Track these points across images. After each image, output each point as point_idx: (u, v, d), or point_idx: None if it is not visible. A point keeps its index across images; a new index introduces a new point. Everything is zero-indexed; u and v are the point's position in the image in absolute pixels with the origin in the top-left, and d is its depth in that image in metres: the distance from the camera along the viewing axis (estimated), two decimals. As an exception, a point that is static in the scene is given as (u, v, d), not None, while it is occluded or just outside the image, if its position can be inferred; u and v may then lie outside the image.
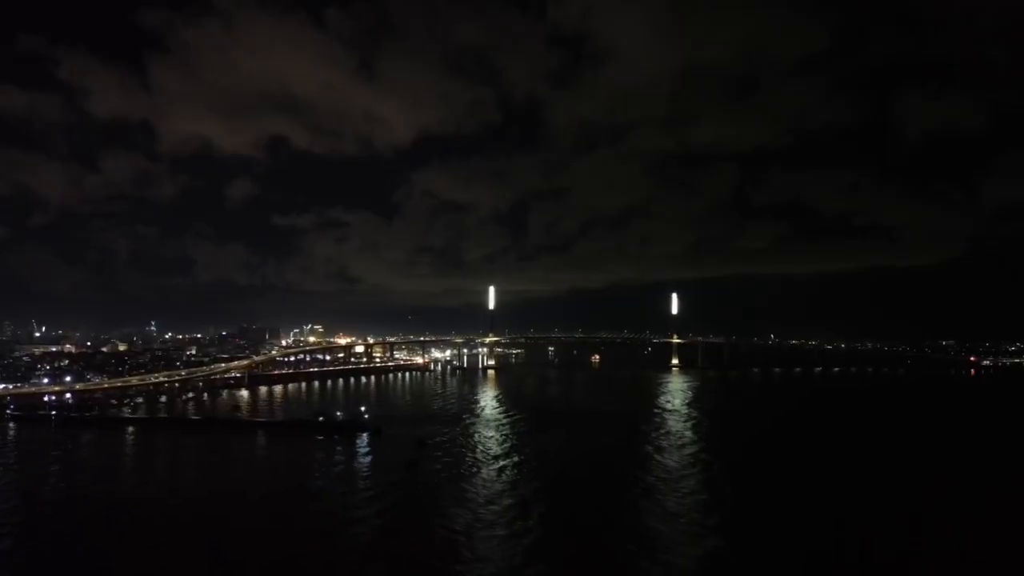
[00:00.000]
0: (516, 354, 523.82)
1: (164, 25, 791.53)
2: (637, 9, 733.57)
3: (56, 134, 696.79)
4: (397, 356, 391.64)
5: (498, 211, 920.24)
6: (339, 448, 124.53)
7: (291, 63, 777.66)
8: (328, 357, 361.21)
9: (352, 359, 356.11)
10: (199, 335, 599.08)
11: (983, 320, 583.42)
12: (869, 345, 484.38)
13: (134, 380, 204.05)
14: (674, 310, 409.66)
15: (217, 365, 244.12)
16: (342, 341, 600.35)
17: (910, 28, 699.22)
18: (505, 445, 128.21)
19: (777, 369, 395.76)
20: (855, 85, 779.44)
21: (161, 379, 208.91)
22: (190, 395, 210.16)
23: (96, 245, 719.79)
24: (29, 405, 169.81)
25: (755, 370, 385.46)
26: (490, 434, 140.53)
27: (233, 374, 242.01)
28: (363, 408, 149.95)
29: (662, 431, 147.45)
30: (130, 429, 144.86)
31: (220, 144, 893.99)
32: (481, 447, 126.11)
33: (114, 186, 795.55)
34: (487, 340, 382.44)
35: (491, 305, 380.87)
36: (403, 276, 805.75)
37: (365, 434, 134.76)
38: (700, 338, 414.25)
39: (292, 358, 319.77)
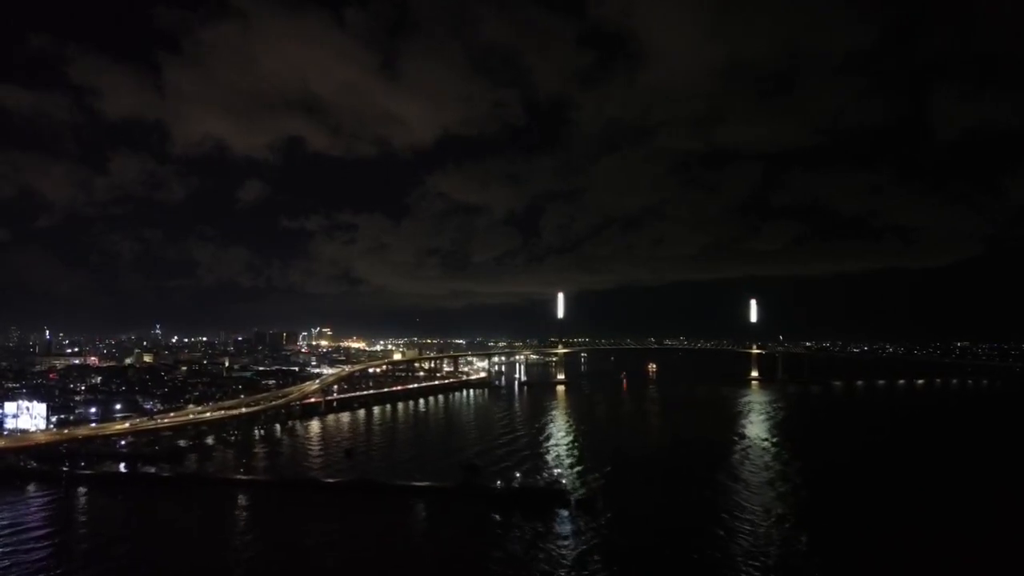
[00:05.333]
0: (555, 362, 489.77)
1: (180, 25, 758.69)
2: (682, 6, 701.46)
3: (64, 135, 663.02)
4: (448, 369, 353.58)
5: (511, 213, 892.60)
6: (546, 537, 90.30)
7: (310, 62, 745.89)
8: (376, 371, 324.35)
9: (408, 373, 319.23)
10: (204, 338, 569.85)
11: (1000, 321, 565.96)
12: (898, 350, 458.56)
13: (209, 414, 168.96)
14: (753, 318, 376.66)
15: (288, 389, 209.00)
16: (355, 345, 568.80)
17: (961, 23, 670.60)
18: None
19: (860, 382, 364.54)
20: (895, 83, 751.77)
21: (240, 411, 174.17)
22: (262, 430, 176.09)
23: (99, 248, 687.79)
24: (88, 454, 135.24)
25: (836, 383, 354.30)
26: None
27: (310, 400, 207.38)
28: (559, 472, 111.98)
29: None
30: (240, 499, 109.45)
31: (234, 145, 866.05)
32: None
33: (121, 188, 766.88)
34: (558, 351, 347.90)
35: (560, 313, 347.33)
36: (409, 278, 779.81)
37: (565, 510, 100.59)
38: (780, 348, 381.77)
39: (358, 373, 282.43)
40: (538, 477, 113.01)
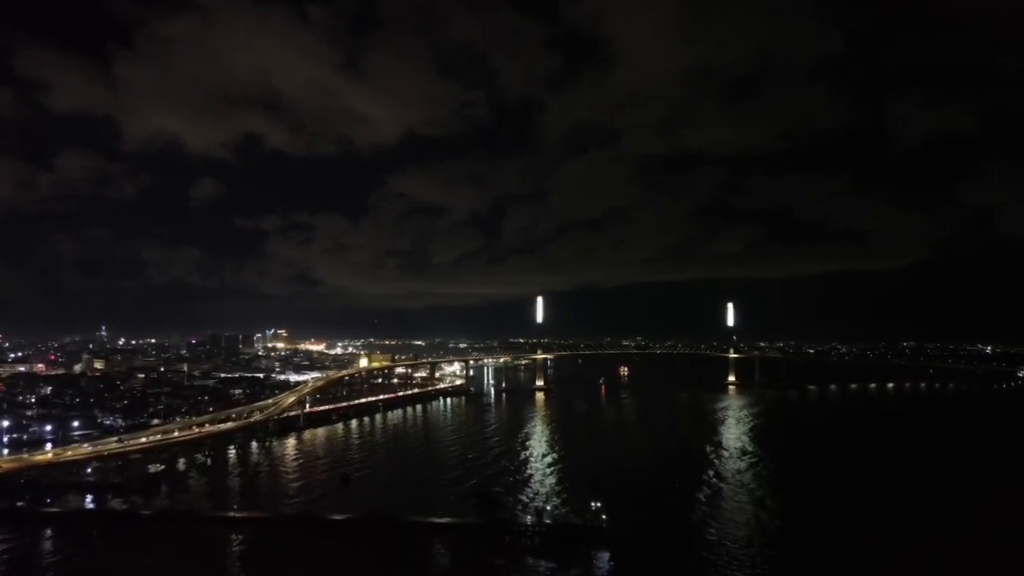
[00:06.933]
0: (524, 365, 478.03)
1: (134, 17, 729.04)
2: (657, 10, 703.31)
3: (7, 130, 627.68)
4: (421, 375, 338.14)
5: (473, 214, 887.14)
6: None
7: (271, 58, 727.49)
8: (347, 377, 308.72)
9: (383, 380, 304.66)
10: (153, 340, 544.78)
11: (948, 323, 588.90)
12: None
13: (181, 432, 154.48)
14: (730, 321, 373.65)
15: (264, 402, 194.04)
16: (313, 347, 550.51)
17: (924, 31, 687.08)
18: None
19: (833, 386, 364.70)
20: (858, 90, 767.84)
21: (217, 428, 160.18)
22: (238, 450, 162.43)
23: (43, 247, 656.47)
24: (51, 484, 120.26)
25: (811, 387, 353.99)
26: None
27: (289, 412, 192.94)
28: (595, 503, 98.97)
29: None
30: (233, 541, 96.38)
31: (189, 143, 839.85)
32: None
33: (67, 185, 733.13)
34: (537, 357, 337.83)
35: (539, 318, 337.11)
36: (367, 279, 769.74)
37: (604, 551, 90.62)
38: (757, 352, 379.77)
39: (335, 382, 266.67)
40: (568, 510, 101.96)
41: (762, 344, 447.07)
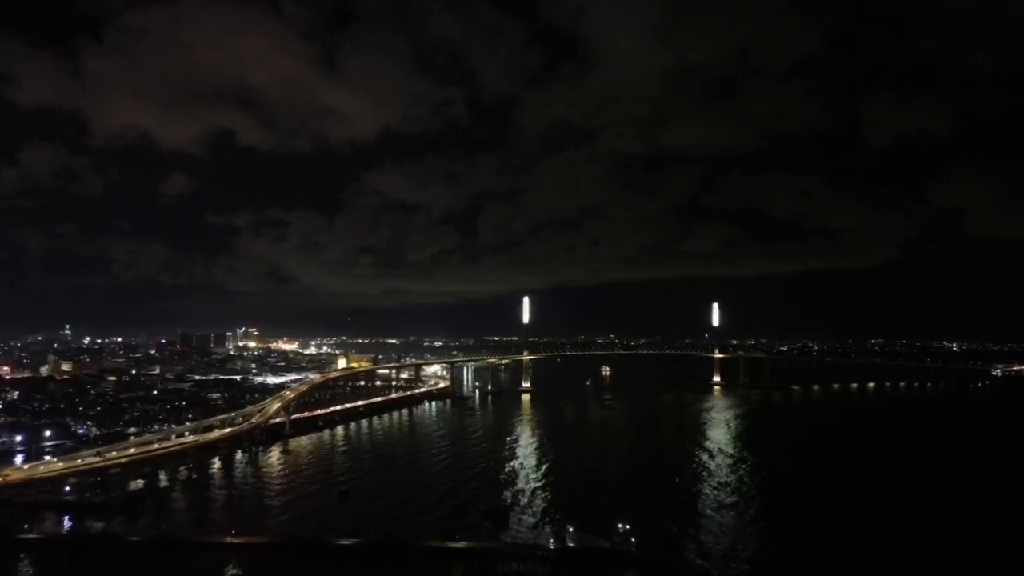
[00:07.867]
0: (505, 365, 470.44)
1: (104, 9, 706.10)
2: (636, 10, 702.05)
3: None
4: (405, 376, 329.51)
5: (449, 212, 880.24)
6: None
7: (246, 53, 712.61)
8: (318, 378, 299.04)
9: (368, 383, 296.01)
10: (120, 338, 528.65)
11: (916, 320, 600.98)
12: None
13: (162, 444, 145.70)
14: (715, 321, 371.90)
15: (249, 409, 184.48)
16: (286, 347, 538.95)
17: (900, 30, 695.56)
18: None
19: (815, 387, 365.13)
20: (833, 90, 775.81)
21: (200, 439, 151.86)
22: (222, 461, 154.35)
23: (5, 243, 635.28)
24: (25, 504, 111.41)
25: (795, 387, 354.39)
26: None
27: (276, 419, 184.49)
28: (623, 525, 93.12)
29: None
30: (231, 571, 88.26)
31: (159, 138, 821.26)
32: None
33: (33, 180, 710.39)
34: (523, 357, 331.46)
35: (526, 318, 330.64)
36: (341, 276, 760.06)
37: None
38: (741, 352, 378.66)
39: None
40: (592, 532, 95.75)
41: (734, 342, 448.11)
